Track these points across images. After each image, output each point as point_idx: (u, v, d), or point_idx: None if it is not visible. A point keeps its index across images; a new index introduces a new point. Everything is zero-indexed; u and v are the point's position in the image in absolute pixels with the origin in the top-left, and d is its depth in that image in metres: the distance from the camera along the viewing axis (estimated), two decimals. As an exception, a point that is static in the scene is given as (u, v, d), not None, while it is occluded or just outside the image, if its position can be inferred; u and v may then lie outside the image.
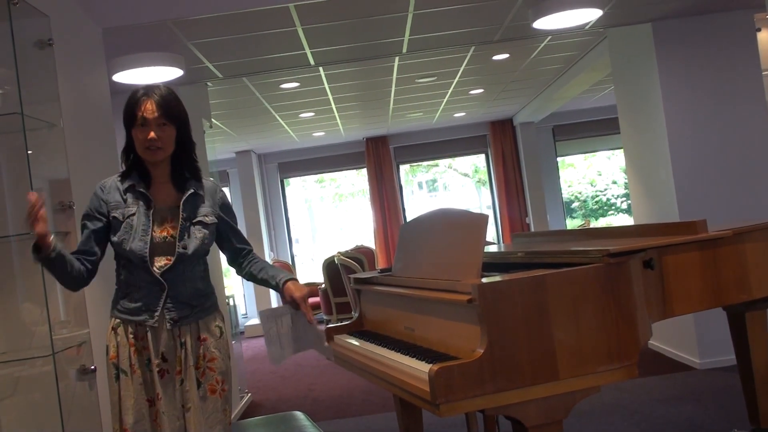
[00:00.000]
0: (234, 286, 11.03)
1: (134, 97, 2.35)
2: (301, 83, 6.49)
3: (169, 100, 2.36)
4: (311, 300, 9.50)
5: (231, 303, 6.38)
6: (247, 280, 2.64)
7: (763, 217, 3.46)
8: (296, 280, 2.53)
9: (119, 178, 2.42)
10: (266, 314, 2.55)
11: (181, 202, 2.40)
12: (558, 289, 2.24)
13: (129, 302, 2.36)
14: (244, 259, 2.60)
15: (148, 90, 2.35)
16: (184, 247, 2.35)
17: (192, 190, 2.42)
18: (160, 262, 2.34)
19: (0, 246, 2.85)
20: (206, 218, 2.43)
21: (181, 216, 2.38)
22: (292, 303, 2.50)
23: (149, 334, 2.33)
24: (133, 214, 2.34)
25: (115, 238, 2.34)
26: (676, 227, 2.90)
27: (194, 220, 2.40)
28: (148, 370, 2.33)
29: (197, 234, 2.39)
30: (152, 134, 2.31)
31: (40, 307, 2.71)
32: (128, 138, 2.38)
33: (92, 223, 2.38)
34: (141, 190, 2.38)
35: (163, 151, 2.35)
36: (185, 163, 2.45)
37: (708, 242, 2.73)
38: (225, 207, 2.53)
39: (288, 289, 2.49)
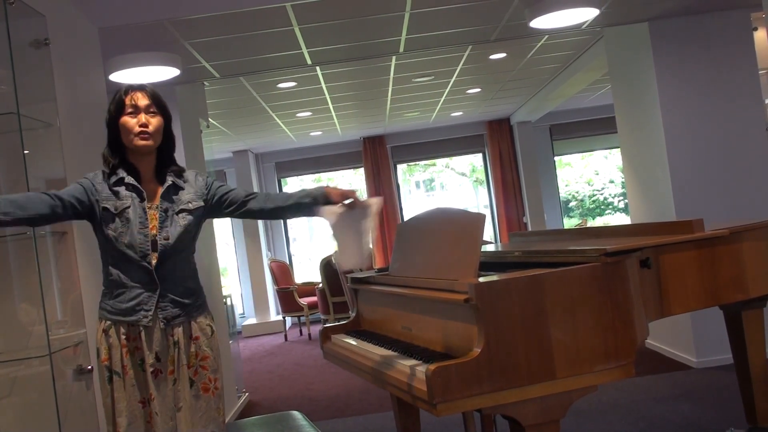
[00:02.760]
0: (231, 286, 11.02)
1: (121, 90, 2.38)
2: (298, 83, 6.49)
3: (156, 92, 2.41)
4: (309, 299, 9.54)
5: (228, 303, 6.37)
6: (278, 217, 2.49)
7: (760, 216, 3.46)
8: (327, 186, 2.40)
9: (104, 176, 2.38)
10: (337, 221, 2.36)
11: (159, 195, 2.39)
12: (555, 288, 2.24)
13: (120, 303, 2.34)
14: (261, 201, 2.47)
15: (135, 84, 2.41)
16: (165, 238, 2.34)
17: (170, 182, 2.42)
18: (154, 259, 2.34)
19: (-4, 246, 2.85)
20: (189, 204, 2.41)
21: (159, 208, 2.37)
22: (347, 203, 2.34)
23: (142, 334, 2.32)
24: (128, 207, 2.32)
25: (109, 231, 2.31)
26: (673, 226, 2.91)
27: (177, 210, 2.39)
28: (141, 370, 2.33)
29: (180, 222, 2.38)
30: (143, 118, 2.33)
31: (37, 307, 2.70)
32: (114, 132, 2.37)
33: (77, 192, 2.30)
34: (132, 182, 2.36)
35: (152, 139, 2.36)
36: (167, 161, 2.46)
37: (705, 241, 2.74)
38: (211, 183, 2.50)
39: (332, 194, 2.35)
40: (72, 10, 3.63)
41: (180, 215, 2.39)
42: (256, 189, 10.57)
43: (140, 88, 2.39)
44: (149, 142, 2.36)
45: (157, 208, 2.38)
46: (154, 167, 2.43)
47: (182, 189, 2.44)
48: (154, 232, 2.34)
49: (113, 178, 2.36)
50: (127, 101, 2.34)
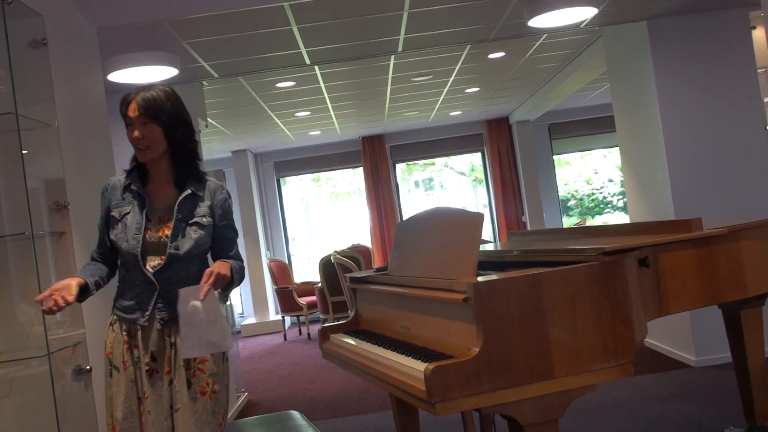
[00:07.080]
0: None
1: (124, 98, 2.38)
2: (296, 82, 6.49)
3: (153, 99, 2.33)
4: (308, 299, 9.53)
5: (227, 302, 6.36)
6: None
7: (758, 215, 3.47)
8: (226, 262, 2.40)
9: (124, 176, 2.46)
10: (183, 294, 2.32)
11: (177, 203, 2.40)
12: (554, 287, 2.24)
13: (124, 300, 2.39)
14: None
15: (137, 90, 2.37)
16: (176, 248, 2.35)
17: (190, 191, 2.42)
18: (153, 262, 2.35)
19: (-5, 246, 2.84)
20: (203, 219, 2.42)
21: (175, 216, 2.38)
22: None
23: (140, 333, 2.35)
24: (128, 213, 2.37)
25: (112, 236, 2.38)
26: (671, 225, 2.91)
27: (190, 221, 2.40)
28: (138, 368, 2.35)
29: (192, 234, 2.39)
30: (136, 133, 2.33)
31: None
32: None
33: (103, 227, 2.45)
34: (136, 188, 2.40)
35: (150, 150, 2.36)
36: (184, 164, 2.43)
37: (703, 240, 2.74)
38: (223, 210, 2.48)
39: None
40: (70, 9, 3.63)
41: (192, 228, 2.39)
42: (255, 189, 10.59)
43: (135, 96, 2.34)
44: (146, 155, 2.37)
45: (171, 212, 2.38)
46: (168, 172, 2.43)
47: (201, 200, 2.43)
48: (159, 234, 2.36)
49: (126, 181, 2.43)
50: (127, 114, 2.35)
